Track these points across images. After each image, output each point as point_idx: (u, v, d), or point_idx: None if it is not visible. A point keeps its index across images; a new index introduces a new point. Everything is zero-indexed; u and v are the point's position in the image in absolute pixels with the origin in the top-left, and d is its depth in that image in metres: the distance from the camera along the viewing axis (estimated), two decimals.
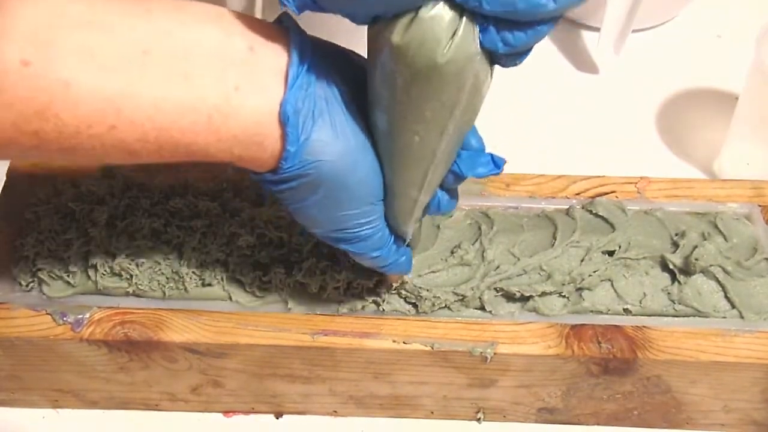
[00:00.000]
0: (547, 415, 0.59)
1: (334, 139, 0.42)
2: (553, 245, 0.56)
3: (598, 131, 0.78)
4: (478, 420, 0.59)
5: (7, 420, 0.59)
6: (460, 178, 0.47)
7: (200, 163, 0.63)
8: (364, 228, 0.46)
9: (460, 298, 0.55)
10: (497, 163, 0.47)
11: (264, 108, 0.41)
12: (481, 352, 0.53)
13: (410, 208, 0.46)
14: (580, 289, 0.56)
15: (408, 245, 0.51)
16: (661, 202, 0.61)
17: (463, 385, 0.56)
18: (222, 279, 0.55)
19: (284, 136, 0.41)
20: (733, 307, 0.55)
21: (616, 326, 0.54)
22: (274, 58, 0.41)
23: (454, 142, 0.43)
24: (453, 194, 0.49)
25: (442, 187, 0.47)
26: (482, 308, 0.55)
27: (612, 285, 0.56)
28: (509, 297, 0.55)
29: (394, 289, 0.54)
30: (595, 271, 0.55)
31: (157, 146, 0.40)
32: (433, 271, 0.55)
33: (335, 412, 0.59)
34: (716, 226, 0.58)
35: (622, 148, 0.76)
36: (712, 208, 0.61)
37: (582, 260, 0.56)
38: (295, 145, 0.41)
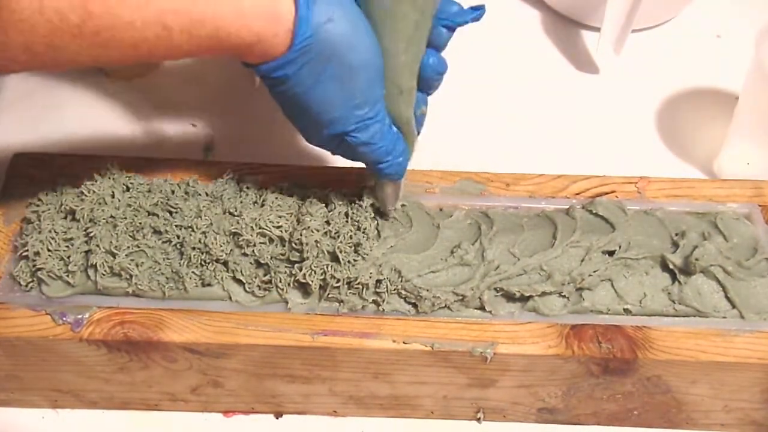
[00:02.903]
0: (547, 415, 0.59)
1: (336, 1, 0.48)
2: (553, 245, 0.56)
3: (598, 131, 0.78)
4: (478, 420, 0.59)
5: (7, 420, 0.59)
6: (451, 29, 0.52)
7: (201, 163, 0.63)
8: (370, 109, 0.51)
9: (460, 298, 0.54)
10: (478, 8, 0.53)
11: None
12: (481, 352, 0.53)
13: (402, 70, 0.51)
14: (580, 289, 0.56)
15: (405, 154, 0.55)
16: (661, 202, 0.61)
17: (463, 385, 0.56)
18: (222, 279, 0.55)
19: (296, 2, 0.47)
20: (734, 307, 0.55)
21: (616, 326, 0.54)
22: None
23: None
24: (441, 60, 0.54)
25: (435, 46, 0.52)
26: (482, 308, 0.55)
27: (612, 285, 0.56)
28: (509, 297, 0.55)
29: (394, 289, 0.54)
30: (595, 271, 0.55)
31: (188, 20, 0.45)
32: (433, 271, 0.55)
33: (335, 412, 0.59)
34: (716, 226, 0.58)
35: (622, 148, 0.76)
36: (712, 208, 0.61)
37: (582, 260, 0.56)
38: (305, 7, 0.47)
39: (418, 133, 0.56)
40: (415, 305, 0.55)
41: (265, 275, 0.55)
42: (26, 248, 0.55)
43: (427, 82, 0.53)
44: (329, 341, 0.53)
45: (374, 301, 0.55)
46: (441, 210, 0.60)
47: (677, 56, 0.85)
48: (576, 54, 0.85)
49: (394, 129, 0.53)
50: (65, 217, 0.57)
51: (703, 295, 0.56)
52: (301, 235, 0.54)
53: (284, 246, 0.55)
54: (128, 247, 0.55)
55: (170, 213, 0.57)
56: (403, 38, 0.50)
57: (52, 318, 0.54)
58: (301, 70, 0.49)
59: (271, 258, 0.55)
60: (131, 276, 0.54)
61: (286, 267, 0.55)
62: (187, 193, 0.58)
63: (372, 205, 0.57)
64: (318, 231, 0.55)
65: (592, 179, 0.62)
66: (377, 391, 0.57)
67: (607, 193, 0.61)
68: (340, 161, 0.62)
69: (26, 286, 0.55)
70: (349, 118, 0.51)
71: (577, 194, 0.61)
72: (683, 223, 0.59)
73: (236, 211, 0.57)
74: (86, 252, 0.55)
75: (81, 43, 0.44)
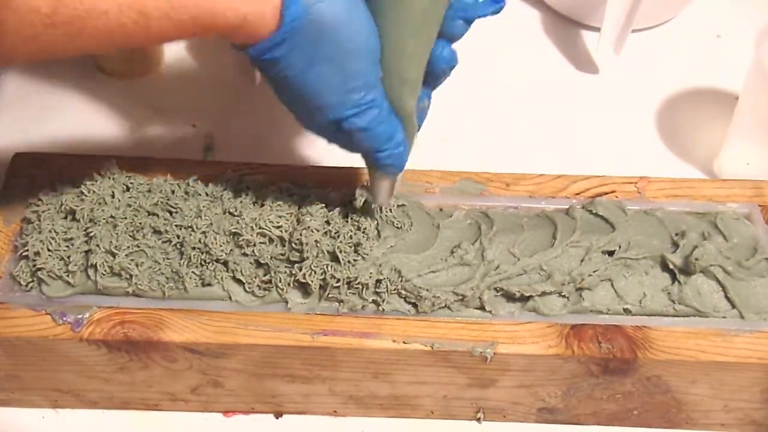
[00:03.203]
0: (547, 415, 0.59)
1: None
2: (553, 245, 0.56)
3: (598, 131, 0.78)
4: (478, 420, 0.59)
5: (7, 420, 0.59)
6: (469, 21, 0.50)
7: (201, 163, 0.63)
8: (367, 93, 0.49)
9: (460, 298, 0.54)
10: (498, 0, 0.51)
11: None
12: (481, 352, 0.53)
13: (407, 60, 0.49)
14: (580, 289, 0.56)
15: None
16: (661, 202, 0.61)
17: (463, 385, 0.56)
18: (222, 279, 0.55)
19: None
20: (733, 307, 0.55)
21: (616, 326, 0.54)
22: None
23: None
24: (452, 54, 0.52)
25: (449, 37, 0.50)
26: (482, 308, 0.55)
27: (612, 285, 0.56)
28: (509, 297, 0.55)
29: (394, 289, 0.54)
30: (595, 271, 0.55)
31: (167, 4, 0.43)
32: (433, 271, 0.55)
33: (335, 412, 0.59)
34: (716, 226, 0.58)
35: (622, 148, 0.76)
36: (712, 208, 0.61)
37: (582, 260, 0.56)
38: None
39: (419, 128, 0.54)
40: (415, 305, 0.55)
41: (265, 275, 0.55)
42: (26, 248, 0.55)
43: (435, 75, 0.51)
44: (329, 341, 0.53)
45: (374, 301, 0.55)
46: (441, 210, 0.60)
47: (677, 56, 0.85)
48: (576, 54, 0.85)
49: (394, 116, 0.51)
50: (65, 217, 0.57)
51: (703, 295, 0.56)
52: (301, 235, 0.54)
53: (284, 246, 0.55)
54: (128, 247, 0.55)
55: (170, 213, 0.57)
56: (408, 26, 0.48)
57: (52, 318, 0.54)
58: (292, 52, 0.46)
59: (271, 258, 0.55)
60: (131, 276, 0.54)
61: (286, 267, 0.55)
62: (187, 193, 0.59)
63: (366, 203, 0.57)
64: (318, 231, 0.55)
65: (592, 179, 0.62)
66: (377, 391, 0.57)
67: (607, 193, 0.61)
68: (339, 161, 0.63)
69: (26, 285, 0.55)
70: (345, 103, 0.49)
71: (577, 194, 0.61)
72: (683, 223, 0.59)
73: (236, 211, 0.57)
74: (86, 252, 0.55)
75: (53, 33, 0.42)
